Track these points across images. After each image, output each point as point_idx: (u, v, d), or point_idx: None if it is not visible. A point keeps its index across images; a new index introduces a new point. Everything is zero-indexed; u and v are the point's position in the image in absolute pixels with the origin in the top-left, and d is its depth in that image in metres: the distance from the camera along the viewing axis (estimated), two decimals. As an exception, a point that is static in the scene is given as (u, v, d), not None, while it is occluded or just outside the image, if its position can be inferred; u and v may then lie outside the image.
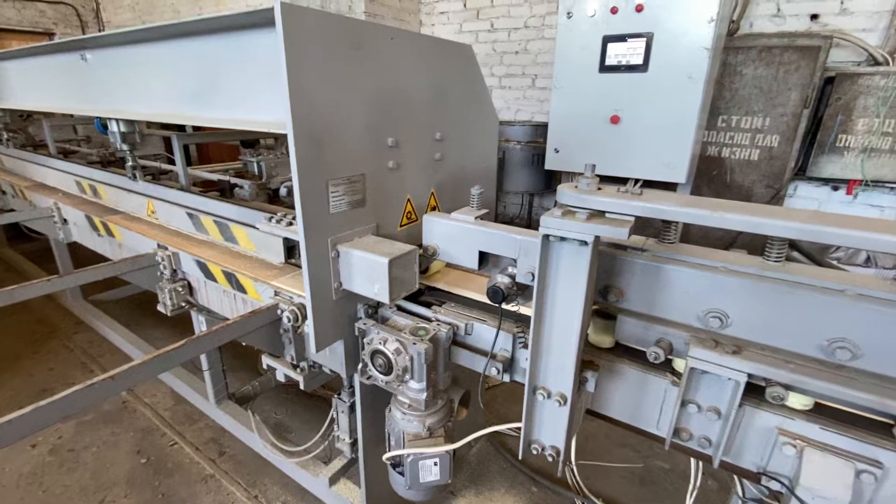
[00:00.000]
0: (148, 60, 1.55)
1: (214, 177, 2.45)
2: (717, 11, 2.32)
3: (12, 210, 3.08)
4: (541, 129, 3.72)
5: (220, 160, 5.90)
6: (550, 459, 1.07)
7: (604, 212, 0.86)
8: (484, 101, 1.77)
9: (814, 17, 3.06)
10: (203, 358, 2.13)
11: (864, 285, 0.80)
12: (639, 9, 2.52)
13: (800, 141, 2.95)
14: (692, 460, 1.25)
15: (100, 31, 8.72)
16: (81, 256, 3.30)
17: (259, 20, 1.11)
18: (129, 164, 2.00)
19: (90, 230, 2.27)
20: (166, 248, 1.77)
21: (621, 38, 2.62)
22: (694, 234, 3.13)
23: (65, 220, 2.47)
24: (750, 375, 0.89)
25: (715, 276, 0.92)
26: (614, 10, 2.59)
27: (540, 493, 2.21)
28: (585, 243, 0.84)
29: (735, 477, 1.13)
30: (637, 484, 2.29)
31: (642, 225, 0.88)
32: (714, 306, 0.93)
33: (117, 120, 1.85)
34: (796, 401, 0.92)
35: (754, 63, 2.95)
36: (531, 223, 4.75)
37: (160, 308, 1.81)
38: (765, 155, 3.08)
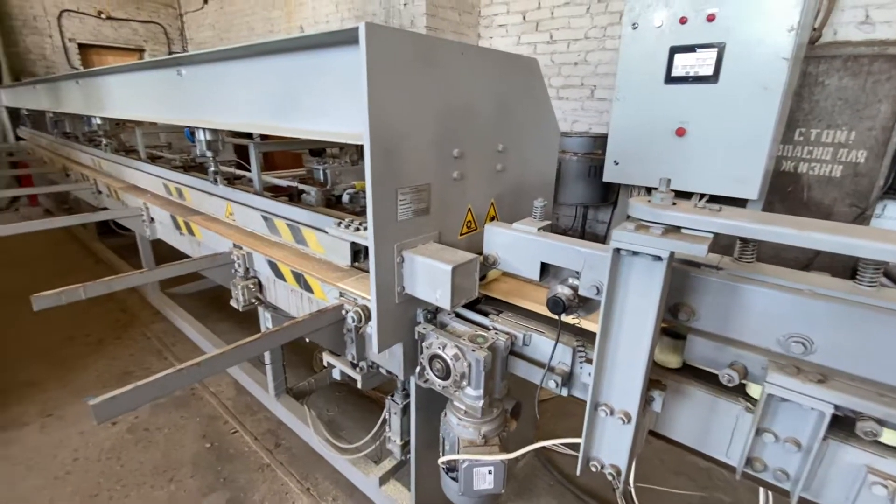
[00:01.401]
0: (235, 75, 1.69)
1: (283, 182, 2.61)
2: (798, 20, 2.20)
3: (106, 209, 3.42)
4: (599, 141, 3.65)
5: (283, 167, 6.23)
6: (610, 478, 1.05)
7: (679, 227, 0.84)
8: (547, 113, 1.78)
9: (909, 23, 2.82)
10: (267, 352, 2.26)
11: (977, 317, 0.73)
12: (710, 18, 2.43)
13: (890, 157, 2.71)
14: (761, 494, 1.18)
15: (183, 47, 9.55)
16: (161, 252, 3.60)
17: (342, 39, 1.18)
18: (212, 169, 2.18)
19: (173, 229, 2.49)
20: (241, 248, 1.91)
21: (690, 49, 2.54)
22: (765, 254, 2.94)
23: (152, 219, 2.71)
24: (837, 407, 0.83)
25: (799, 299, 0.87)
26: (683, 21, 2.52)
27: (588, 515, 2.15)
28: (660, 259, 0.83)
29: None
30: (694, 515, 2.17)
31: (712, 243, 0.85)
32: (797, 331, 0.88)
33: (204, 129, 2.03)
34: (890, 437, 0.85)
35: (839, 73, 2.75)
36: (584, 235, 4.65)
37: (233, 303, 1.95)
38: (849, 171, 2.86)
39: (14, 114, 6.54)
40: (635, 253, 0.86)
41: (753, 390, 0.98)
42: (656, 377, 1.05)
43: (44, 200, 6.92)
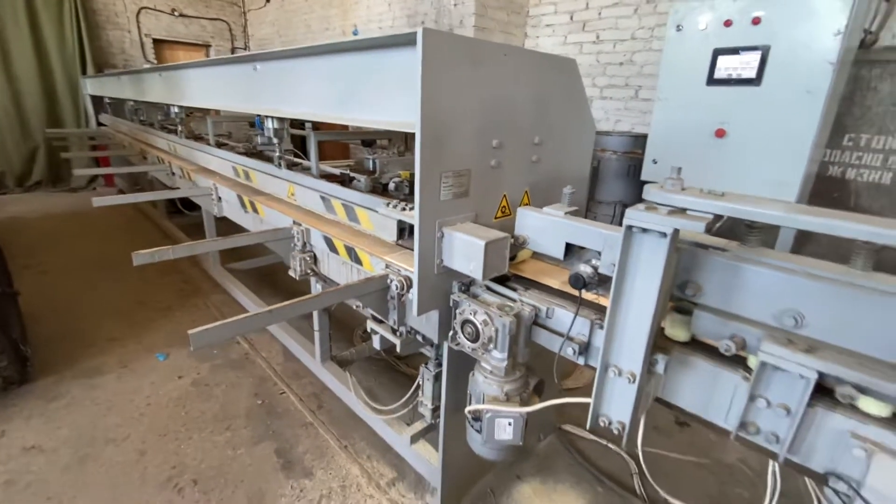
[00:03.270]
0: (303, 71, 1.92)
1: (335, 171, 2.86)
2: (845, 24, 2.20)
3: (178, 188, 3.81)
4: (640, 141, 3.69)
5: (332, 157, 6.59)
6: (616, 433, 1.18)
7: (685, 209, 0.97)
8: (583, 111, 1.90)
9: (976, 27, 2.71)
10: (315, 320, 2.51)
11: (949, 296, 0.82)
12: (755, 21, 2.45)
13: (945, 165, 2.63)
14: (769, 466, 1.27)
15: (245, 43, 10.14)
16: (222, 232, 3.97)
17: (401, 41, 1.37)
18: (277, 154, 2.45)
19: (239, 207, 2.78)
20: (300, 224, 2.15)
21: (734, 51, 2.57)
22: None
23: (220, 198, 3.03)
24: (822, 375, 0.94)
25: (794, 279, 0.98)
26: (728, 23, 2.55)
27: (605, 494, 2.26)
28: (664, 235, 0.96)
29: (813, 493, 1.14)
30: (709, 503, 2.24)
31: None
32: (790, 307, 0.98)
33: (272, 118, 2.29)
34: (873, 407, 0.95)
35: (892, 78, 2.69)
36: (621, 236, 4.67)
37: (290, 273, 2.19)
38: (900, 179, 2.78)
39: (96, 102, 7.22)
40: (645, 230, 0.99)
41: (752, 362, 1.09)
42: (663, 345, 1.17)
43: (118, 181, 7.61)
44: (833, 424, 0.98)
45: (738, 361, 1.12)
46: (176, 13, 9.17)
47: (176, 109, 3.77)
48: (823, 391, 0.99)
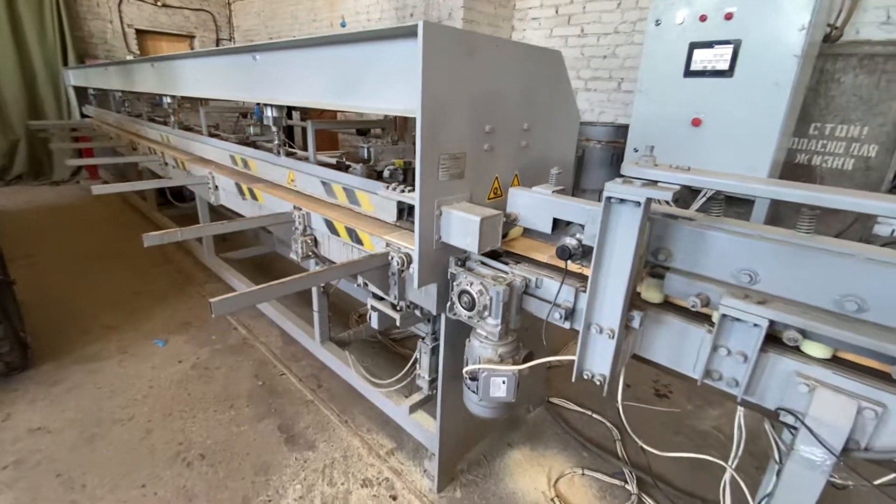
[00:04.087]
0: (304, 61, 2.02)
1: (330, 160, 2.95)
2: (809, 19, 2.37)
3: (171, 178, 3.86)
4: (622, 130, 3.86)
5: (321, 148, 6.62)
6: (598, 383, 1.33)
7: (656, 181, 1.12)
8: (568, 100, 2.04)
9: (930, 23, 2.92)
10: (315, 301, 2.62)
11: (872, 251, 0.98)
12: (728, 17, 2.62)
13: (901, 152, 2.84)
14: (737, 420, 1.43)
15: (230, 34, 10.05)
16: (216, 221, 4.03)
17: (401, 33, 1.48)
18: (276, 142, 2.54)
19: (237, 195, 2.86)
20: (300, 209, 2.25)
21: (708, 45, 2.74)
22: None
23: (216, 186, 3.10)
24: (773, 324, 1.10)
25: (748, 241, 1.13)
26: (703, 18, 2.71)
27: (590, 458, 2.43)
28: (638, 204, 1.10)
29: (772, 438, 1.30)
30: (687, 467, 2.42)
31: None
32: (746, 266, 1.14)
33: (272, 106, 2.38)
34: (815, 350, 1.11)
35: (854, 71, 2.89)
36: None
37: (292, 255, 2.30)
38: (860, 165, 3.00)
39: (80, 93, 7.12)
40: (622, 200, 1.13)
41: (715, 317, 1.24)
42: (639, 304, 1.32)
43: (104, 174, 7.54)
44: (782, 367, 1.14)
45: (703, 318, 1.27)
46: (159, 3, 9.05)
47: (168, 100, 3.81)
48: (775, 340, 1.15)
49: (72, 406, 2.66)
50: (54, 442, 2.40)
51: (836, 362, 1.10)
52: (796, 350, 1.13)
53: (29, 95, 7.53)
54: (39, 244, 5.02)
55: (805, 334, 1.08)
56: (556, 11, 5.16)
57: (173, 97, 3.78)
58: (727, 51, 2.65)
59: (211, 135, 3.78)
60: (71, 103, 7.45)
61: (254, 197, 2.68)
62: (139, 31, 8.97)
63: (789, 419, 1.13)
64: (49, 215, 6.10)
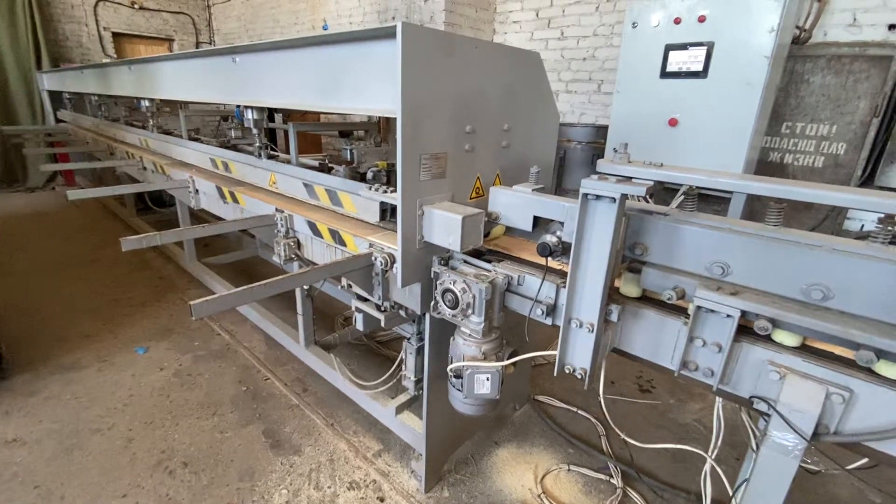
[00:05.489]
0: (285, 62, 2.01)
1: (315, 162, 2.94)
2: (778, 22, 2.45)
3: (151, 183, 3.79)
4: (602, 131, 3.93)
5: (304, 150, 6.60)
6: (579, 377, 1.35)
7: (631, 178, 1.14)
8: (547, 100, 2.07)
9: (892, 27, 3.04)
10: (299, 304, 2.60)
11: (836, 242, 1.03)
12: (701, 20, 2.69)
13: (867, 149, 2.95)
14: (715, 410, 1.46)
15: (210, 37, 9.93)
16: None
17: (381, 34, 1.49)
18: (257, 144, 2.52)
19: (218, 198, 2.83)
20: (283, 211, 2.24)
21: (683, 47, 2.81)
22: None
23: (197, 190, 3.06)
24: (744, 313, 1.13)
25: (720, 235, 1.17)
26: (677, 21, 2.78)
27: (575, 454, 2.46)
28: (614, 200, 1.13)
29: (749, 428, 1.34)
30: (669, 460, 2.46)
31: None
32: (718, 259, 1.18)
33: (253, 108, 2.36)
34: (786, 339, 1.15)
35: (822, 72, 2.99)
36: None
37: (275, 258, 2.28)
38: (830, 162, 3.10)
39: (54, 97, 6.96)
40: (598, 197, 1.16)
41: (691, 309, 1.28)
42: (617, 298, 1.35)
43: (80, 180, 7.37)
44: (755, 356, 1.18)
45: (679, 311, 1.30)
46: (136, 6, 8.90)
47: (146, 104, 3.75)
48: (748, 330, 1.19)
49: (49, 416, 2.59)
50: (31, 453, 2.34)
51: (805, 350, 1.14)
52: (768, 339, 1.16)
53: (1, 100, 7.33)
54: (14, 253, 4.88)
55: (775, 323, 1.12)
56: (537, 15, 5.23)
57: (152, 100, 3.72)
58: (701, 52, 2.72)
59: (191, 138, 3.74)
60: (45, 108, 7.27)
61: (235, 200, 2.65)
62: (116, 35, 8.81)
63: (762, 406, 1.17)
64: (24, 223, 5.94)
